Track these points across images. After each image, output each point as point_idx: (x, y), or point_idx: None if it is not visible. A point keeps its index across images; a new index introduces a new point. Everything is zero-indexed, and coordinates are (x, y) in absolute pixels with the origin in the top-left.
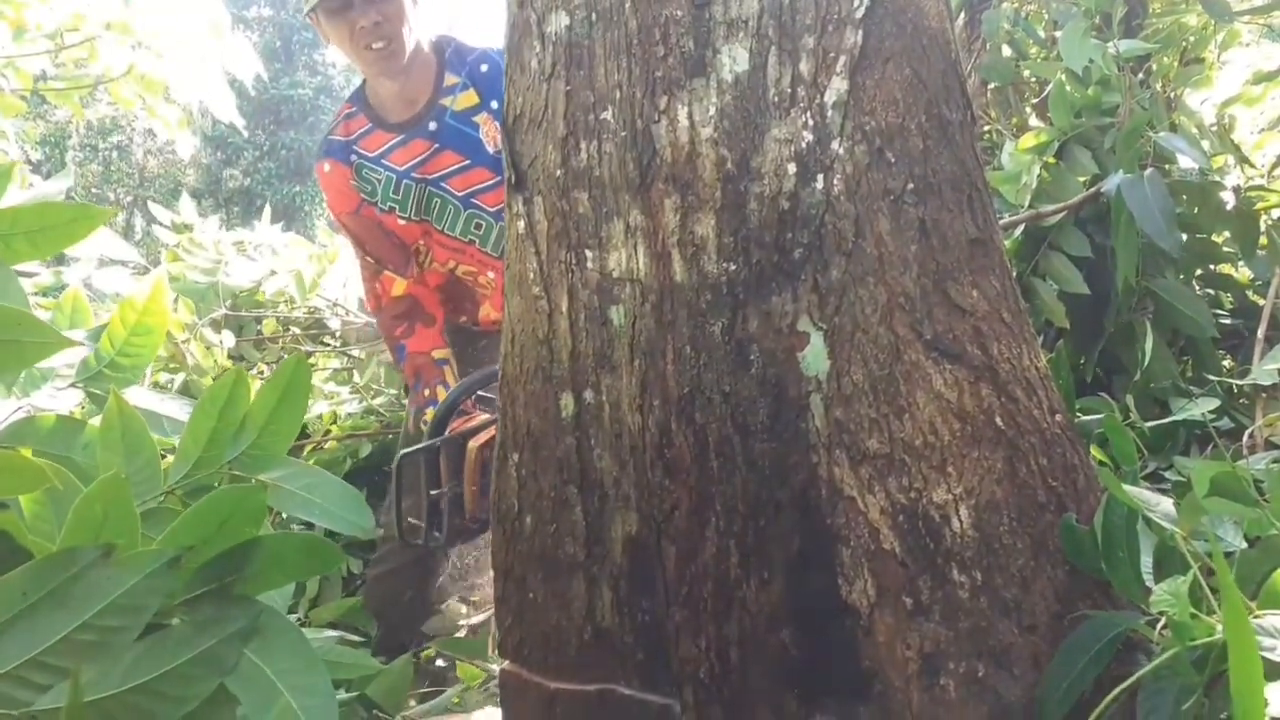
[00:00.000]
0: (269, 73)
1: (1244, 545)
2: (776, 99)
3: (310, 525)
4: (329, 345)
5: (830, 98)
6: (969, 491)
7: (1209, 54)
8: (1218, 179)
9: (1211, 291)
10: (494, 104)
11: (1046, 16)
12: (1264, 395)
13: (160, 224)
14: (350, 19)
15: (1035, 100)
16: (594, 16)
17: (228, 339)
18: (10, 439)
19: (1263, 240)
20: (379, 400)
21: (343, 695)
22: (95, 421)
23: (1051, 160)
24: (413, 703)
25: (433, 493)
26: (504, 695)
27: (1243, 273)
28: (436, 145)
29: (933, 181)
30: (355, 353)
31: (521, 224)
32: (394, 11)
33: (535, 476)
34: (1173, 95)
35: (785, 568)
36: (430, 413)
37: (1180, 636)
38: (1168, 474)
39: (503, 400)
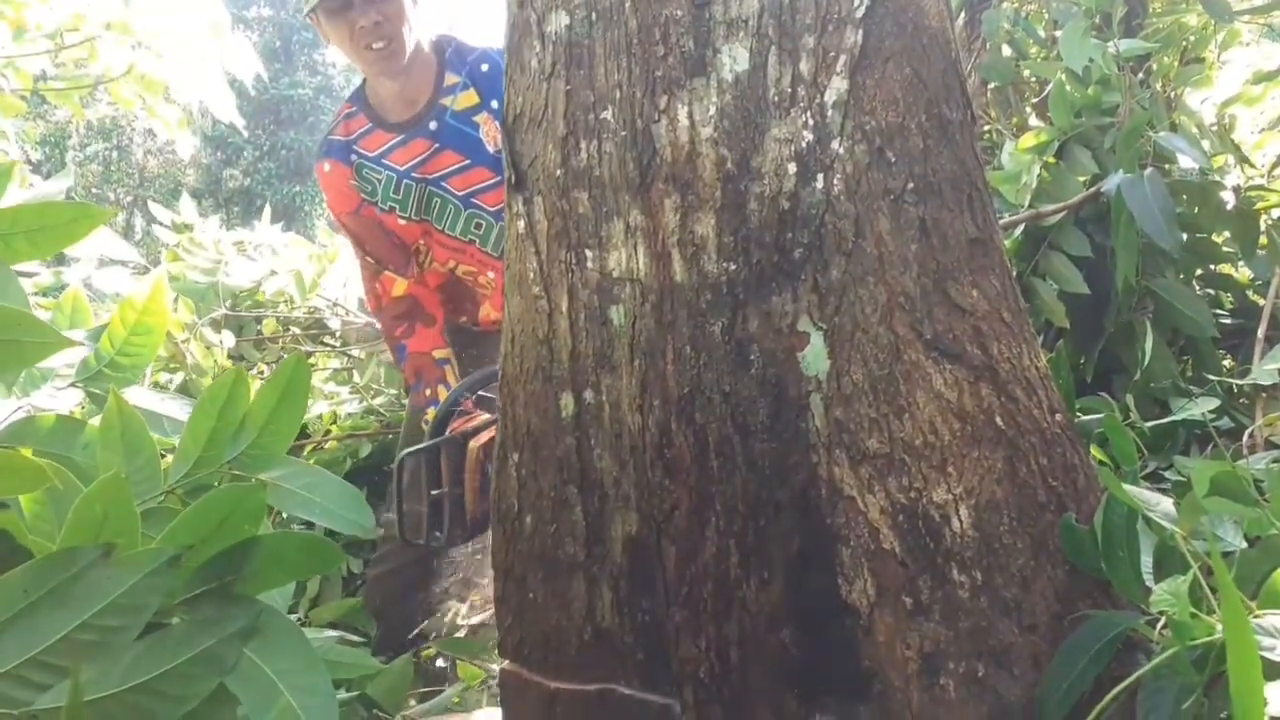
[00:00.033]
0: (269, 73)
1: (1244, 545)
2: (776, 98)
3: (310, 525)
4: (329, 345)
5: (830, 97)
6: (969, 491)
7: (1209, 54)
8: (1218, 179)
9: (1211, 291)
10: (494, 103)
11: (1046, 16)
12: (1264, 395)
13: (160, 224)
14: (350, 19)
15: (1035, 100)
16: (594, 16)
17: (228, 339)
18: (10, 439)
19: (1263, 240)
20: (379, 400)
21: (343, 695)
22: (95, 421)
23: (1051, 160)
24: (413, 702)
25: (434, 492)
26: (504, 695)
27: (1243, 272)
28: (437, 145)
29: (933, 181)
30: (355, 353)
31: (521, 224)
32: (394, 11)
33: (535, 476)
34: (1173, 95)
35: (785, 567)
36: (431, 412)
37: (1180, 636)
38: (1168, 474)
39: (503, 400)
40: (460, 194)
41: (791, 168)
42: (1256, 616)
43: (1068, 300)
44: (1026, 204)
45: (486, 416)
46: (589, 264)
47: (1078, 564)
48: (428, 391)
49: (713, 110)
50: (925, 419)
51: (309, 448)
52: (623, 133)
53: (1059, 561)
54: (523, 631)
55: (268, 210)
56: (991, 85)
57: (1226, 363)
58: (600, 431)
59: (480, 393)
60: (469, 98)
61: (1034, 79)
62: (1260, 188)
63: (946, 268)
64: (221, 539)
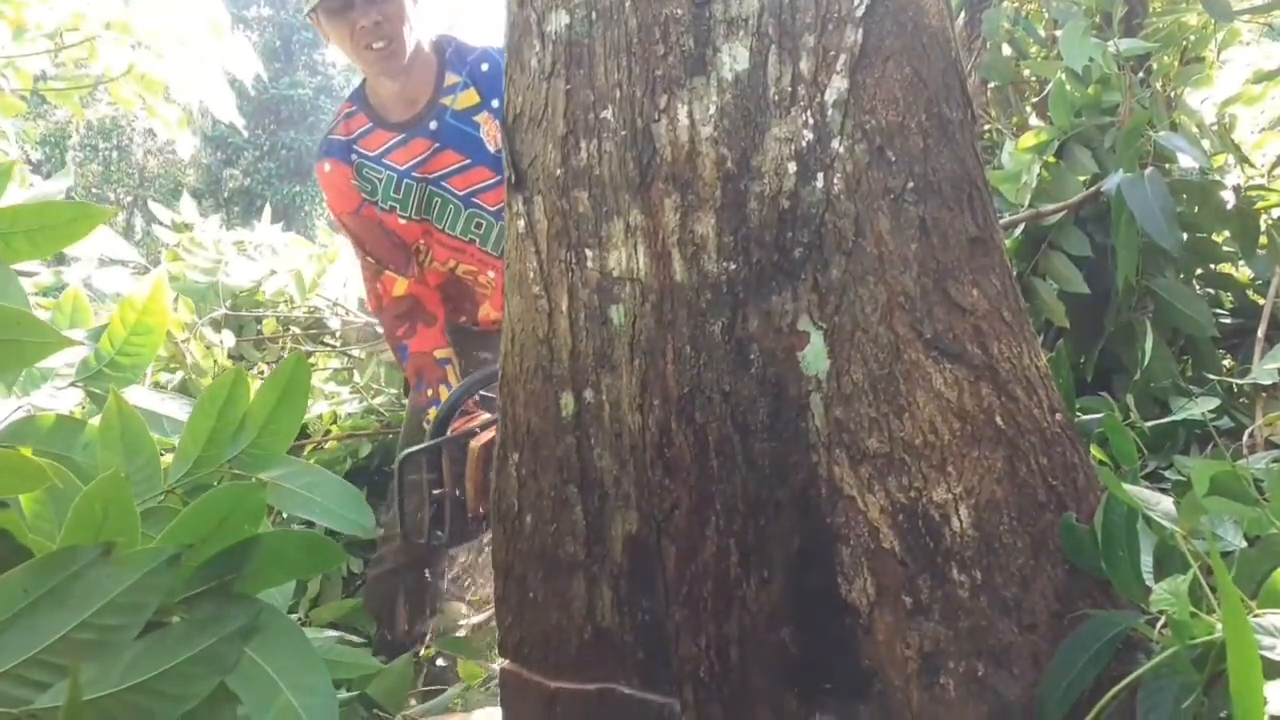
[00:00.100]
0: (269, 73)
1: (1244, 544)
2: (777, 97)
3: (310, 524)
4: (329, 345)
5: (830, 96)
6: (969, 490)
7: (1209, 53)
8: (1218, 178)
9: (1212, 291)
10: (495, 103)
11: (1046, 15)
12: (1264, 395)
13: (160, 223)
14: (351, 19)
15: (1035, 99)
16: (594, 15)
17: (228, 339)
18: (10, 438)
19: (1263, 239)
20: (379, 400)
21: (343, 695)
22: (95, 421)
23: (1051, 159)
24: (413, 702)
25: (435, 492)
26: (504, 694)
27: (1243, 272)
28: (437, 144)
29: (933, 180)
30: (355, 352)
31: (521, 223)
32: (394, 11)
33: (535, 476)
34: (1173, 94)
35: (785, 567)
36: (433, 412)
37: (1180, 635)
38: (1168, 473)
39: (503, 399)
40: (461, 193)
41: (791, 167)
42: (1256, 616)
43: (1068, 300)
44: (1026, 203)
45: (488, 416)
46: (589, 263)
47: (1077, 563)
48: (429, 391)
49: (713, 109)
50: (925, 418)
51: (309, 448)
52: (623, 132)
53: (1059, 561)
54: (523, 631)
55: (268, 210)
56: (991, 84)
57: (1226, 362)
58: (600, 431)
59: (482, 392)
60: (469, 97)
61: (1034, 78)
62: (1260, 187)
63: (947, 267)
64: (221, 538)
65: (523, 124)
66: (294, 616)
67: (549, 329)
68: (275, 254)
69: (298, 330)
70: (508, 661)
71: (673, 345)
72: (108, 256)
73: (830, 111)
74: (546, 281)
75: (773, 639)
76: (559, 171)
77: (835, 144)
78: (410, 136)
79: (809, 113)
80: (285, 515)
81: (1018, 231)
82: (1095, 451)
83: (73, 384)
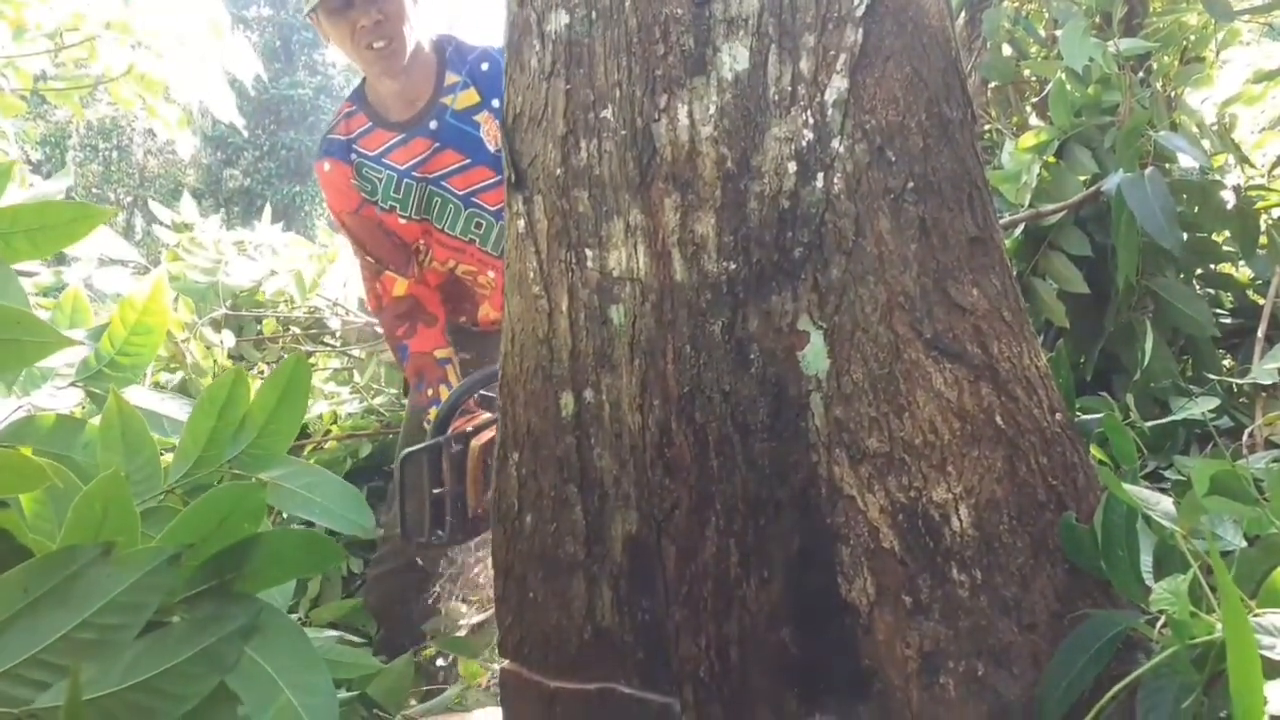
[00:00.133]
0: (269, 73)
1: (1243, 544)
2: (777, 97)
3: (310, 525)
4: (329, 345)
5: (830, 96)
6: (969, 490)
7: (1209, 53)
8: (1218, 178)
9: (1212, 291)
10: (495, 102)
11: (1047, 15)
12: (1264, 394)
13: (161, 223)
14: (351, 18)
15: (1035, 99)
16: (594, 15)
17: (228, 339)
18: (10, 438)
19: (1263, 239)
20: (379, 400)
21: (344, 694)
22: (95, 421)
23: (1051, 159)
24: (413, 702)
25: (435, 491)
26: (504, 694)
27: (1243, 272)
28: (437, 144)
29: (933, 180)
30: (355, 352)
31: (521, 223)
32: (394, 10)
33: (535, 475)
34: (1173, 94)
35: (785, 566)
36: (433, 412)
37: (1180, 635)
38: (1168, 473)
39: (503, 399)
40: (461, 193)
41: (791, 166)
42: (1256, 615)
43: (1068, 300)
44: (1026, 203)
45: (488, 415)
46: (589, 263)
47: (1077, 563)
48: (429, 391)
49: (713, 109)
50: (925, 418)
51: (309, 448)
52: (623, 132)
53: (1059, 560)
54: (523, 631)
55: (268, 210)
56: (992, 84)
57: (1226, 362)
58: (600, 431)
59: (482, 392)
60: (469, 97)
61: (1034, 78)
62: (1260, 187)
63: (947, 267)
64: (221, 537)
65: (523, 124)
66: (294, 616)
67: (549, 329)
68: (275, 254)
69: (298, 330)
70: (508, 661)
71: (673, 345)
72: (108, 256)
73: (830, 111)
74: (546, 281)
75: (773, 639)
76: (559, 171)
77: (835, 144)
78: (410, 136)
79: (809, 112)
80: (285, 515)
81: (1018, 231)
82: (1095, 451)
83: (73, 384)
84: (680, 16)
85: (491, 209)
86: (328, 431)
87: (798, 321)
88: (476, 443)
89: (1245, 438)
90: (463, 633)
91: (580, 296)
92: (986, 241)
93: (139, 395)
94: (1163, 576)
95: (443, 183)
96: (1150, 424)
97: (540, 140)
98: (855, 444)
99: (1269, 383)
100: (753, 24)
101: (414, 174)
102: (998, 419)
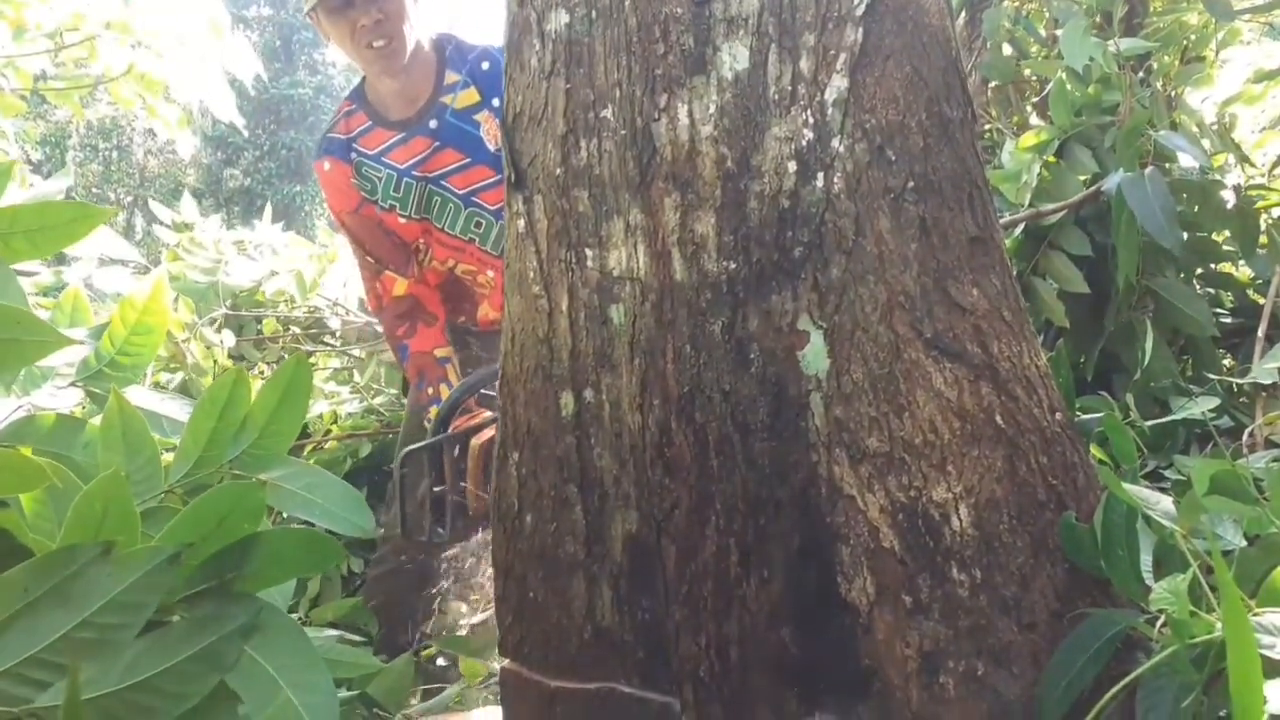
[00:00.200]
0: (269, 73)
1: (1243, 543)
2: (777, 97)
3: (311, 525)
4: (329, 345)
5: (830, 95)
6: (969, 490)
7: (1209, 52)
8: (1218, 177)
9: (1212, 290)
10: (495, 101)
11: (1047, 15)
12: (1264, 394)
13: (161, 223)
14: (351, 17)
15: (1036, 99)
16: (594, 14)
17: (228, 339)
18: (10, 438)
19: (1263, 239)
20: (379, 400)
21: (344, 694)
22: (95, 420)
23: (1052, 159)
24: (413, 701)
25: (436, 490)
26: (504, 694)
27: (1243, 271)
28: (437, 143)
29: (933, 179)
30: (355, 352)
31: (521, 222)
32: (395, 9)
33: (535, 475)
34: (1173, 94)
35: (785, 566)
36: (434, 411)
37: (1179, 634)
38: (1168, 472)
39: (503, 399)
40: (461, 192)
41: (792, 166)
42: (1256, 614)
43: (1068, 299)
44: (1027, 203)
45: (489, 414)
46: (589, 263)
47: (1077, 562)
48: (430, 390)
49: (713, 108)
50: (925, 418)
51: (309, 447)
52: (623, 131)
53: (1058, 560)
54: (523, 630)
55: (268, 210)
56: (992, 84)
57: (1226, 362)
58: (600, 430)
59: (483, 391)
60: (469, 96)
61: (1034, 78)
62: (1260, 187)
63: (947, 266)
64: (221, 536)
65: (522, 123)
66: (294, 616)
67: (549, 328)
68: (275, 254)
69: (298, 330)
70: (508, 661)
71: (673, 345)
72: (108, 256)
73: (830, 110)
74: (546, 281)
75: (773, 638)
76: (559, 171)
77: (835, 143)
78: (410, 135)
79: (809, 112)
80: (285, 516)
81: (1018, 231)
82: (1095, 451)
83: (73, 383)
84: (680, 16)
85: (491, 208)
86: (328, 431)
87: (798, 321)
88: (477, 442)
89: (1245, 437)
90: (463, 632)
91: (580, 296)
92: (987, 241)
93: (139, 395)
94: (1163, 576)
95: (443, 182)
96: (1150, 423)
97: (540, 140)
98: (855, 444)
99: (1269, 382)
100: (753, 23)
101: (414, 173)
102: (998, 418)
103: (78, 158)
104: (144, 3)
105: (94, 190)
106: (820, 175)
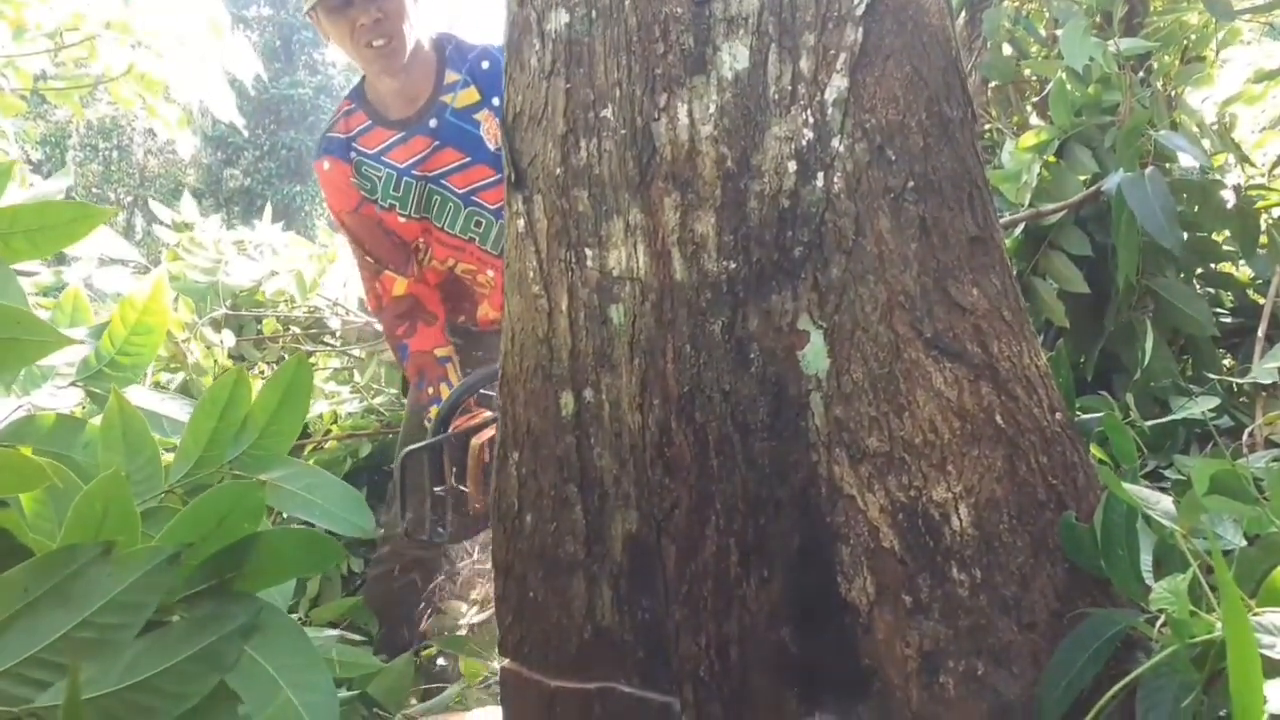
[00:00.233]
0: (269, 73)
1: (1243, 543)
2: (777, 96)
3: (311, 525)
4: (329, 345)
5: (830, 95)
6: (969, 489)
7: (1209, 52)
8: (1218, 177)
9: (1212, 290)
10: (495, 101)
11: (1047, 15)
12: (1264, 394)
13: (161, 223)
14: (351, 16)
15: (1036, 99)
16: (594, 14)
17: (228, 338)
18: (10, 437)
19: (1263, 239)
20: (379, 400)
21: (344, 694)
22: (96, 420)
23: (1052, 159)
24: (413, 701)
25: (436, 489)
26: (504, 693)
27: (1243, 271)
28: (437, 142)
29: (933, 179)
30: (355, 352)
31: (521, 222)
32: (394, 9)
33: (535, 475)
34: (1173, 94)
35: (785, 566)
36: (434, 410)
37: (1179, 634)
38: (1168, 472)
39: (503, 399)
40: (460, 191)
41: (792, 166)
42: (1256, 614)
43: (1068, 299)
44: (1027, 203)
45: (489, 414)
46: (589, 263)
47: (1077, 562)
48: (430, 390)
49: (713, 108)
50: (925, 417)
51: (309, 447)
52: (622, 131)
53: (1058, 560)
54: (523, 630)
55: (268, 210)
56: (992, 84)
57: (1226, 361)
58: (600, 430)
59: (483, 391)
60: (469, 95)
61: (1034, 78)
62: (1261, 186)
63: (947, 266)
64: (221, 536)
65: (522, 123)
66: (294, 616)
67: (549, 328)
68: (275, 254)
69: (298, 330)
70: (508, 660)
71: (673, 344)
72: (108, 256)
73: (830, 110)
74: (546, 281)
75: (772, 638)
76: (559, 170)
77: (835, 143)
78: (410, 134)
79: (809, 111)
80: (285, 516)
81: (1018, 231)
82: (1095, 451)
83: (73, 383)
84: (680, 15)
85: (491, 207)
86: (328, 431)
87: (798, 321)
88: (477, 441)
89: (1245, 437)
90: (463, 632)
91: (580, 296)
92: (987, 241)
93: (139, 395)
94: (1163, 576)
95: (442, 181)
96: (1150, 423)
97: (540, 139)
98: (855, 443)
99: (1269, 382)
100: (753, 23)
101: (413, 172)
102: (998, 418)
103: (78, 158)
104: (144, 3)
105: (94, 190)
106: (820, 175)
